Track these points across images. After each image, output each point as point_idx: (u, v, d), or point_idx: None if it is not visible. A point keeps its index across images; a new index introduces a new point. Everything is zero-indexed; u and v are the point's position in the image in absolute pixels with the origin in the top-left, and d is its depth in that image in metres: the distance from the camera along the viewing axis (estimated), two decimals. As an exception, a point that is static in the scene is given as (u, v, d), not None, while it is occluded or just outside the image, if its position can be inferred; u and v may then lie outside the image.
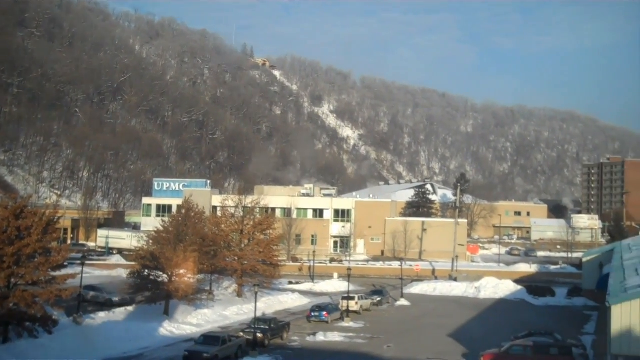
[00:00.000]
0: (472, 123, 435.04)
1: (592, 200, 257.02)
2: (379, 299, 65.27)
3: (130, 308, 52.63)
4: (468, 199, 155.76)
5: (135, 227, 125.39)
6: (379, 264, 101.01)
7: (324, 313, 54.60)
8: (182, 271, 52.04)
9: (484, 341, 45.60)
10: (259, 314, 49.46)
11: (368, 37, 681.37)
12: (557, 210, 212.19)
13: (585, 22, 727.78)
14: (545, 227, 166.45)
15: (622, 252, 55.68)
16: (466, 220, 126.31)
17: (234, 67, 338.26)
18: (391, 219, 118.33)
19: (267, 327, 45.84)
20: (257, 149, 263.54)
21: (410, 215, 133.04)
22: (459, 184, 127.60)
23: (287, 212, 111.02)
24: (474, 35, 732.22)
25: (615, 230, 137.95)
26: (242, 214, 67.04)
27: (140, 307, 53.08)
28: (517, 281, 79.83)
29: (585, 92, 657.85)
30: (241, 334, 44.87)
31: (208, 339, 41.21)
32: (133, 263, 55.68)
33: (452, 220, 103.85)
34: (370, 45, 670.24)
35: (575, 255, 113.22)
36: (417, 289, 76.09)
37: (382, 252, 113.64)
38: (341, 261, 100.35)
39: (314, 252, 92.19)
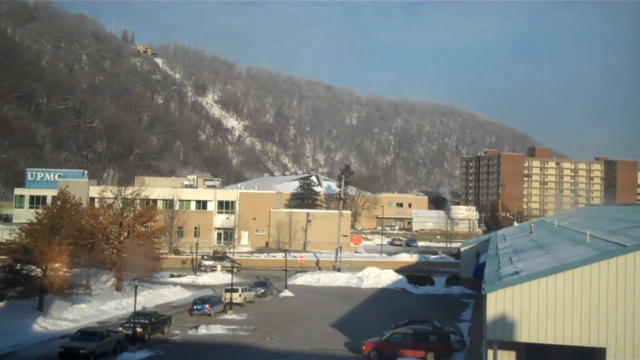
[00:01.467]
0: (356, 116, 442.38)
1: (470, 192, 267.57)
2: (262, 290, 64.72)
3: (0, 304, 49.93)
4: (352, 190, 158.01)
5: (7, 220, 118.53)
6: (263, 256, 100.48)
7: (207, 306, 53.63)
8: (57, 265, 49.80)
9: (366, 330, 46.07)
10: (139, 308, 48.28)
11: (254, 27, 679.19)
12: (437, 202, 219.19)
13: (465, 20, 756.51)
14: (426, 218, 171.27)
15: (497, 242, 57.67)
16: (350, 212, 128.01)
17: (114, 54, 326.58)
18: (276, 211, 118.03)
19: (147, 321, 44.63)
20: (138, 138, 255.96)
21: (295, 207, 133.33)
22: (343, 176, 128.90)
23: (169, 203, 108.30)
24: (359, 29, 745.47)
25: (491, 221, 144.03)
26: (121, 205, 64.75)
27: (12, 303, 50.46)
28: (398, 271, 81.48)
29: (465, 87, 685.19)
30: (120, 328, 43.56)
31: (85, 334, 39.65)
32: (4, 257, 52.89)
33: (336, 211, 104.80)
34: (257, 35, 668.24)
35: (453, 245, 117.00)
36: (301, 280, 76.12)
37: (267, 244, 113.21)
38: (225, 253, 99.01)
39: (197, 244, 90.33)
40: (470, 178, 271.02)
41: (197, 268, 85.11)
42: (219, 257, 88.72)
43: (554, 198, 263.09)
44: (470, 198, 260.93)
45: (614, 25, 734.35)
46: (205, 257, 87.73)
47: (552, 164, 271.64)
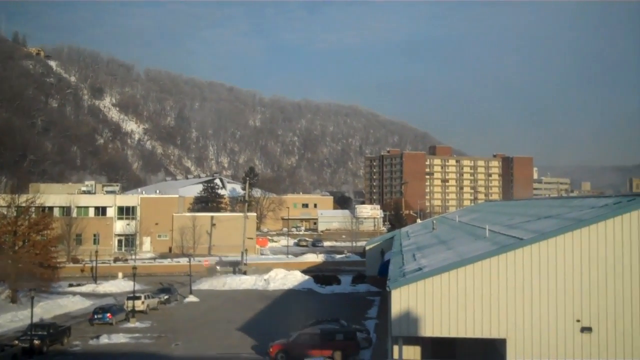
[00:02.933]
0: (260, 117, 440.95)
1: (374, 190, 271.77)
2: (166, 297, 63.16)
3: None
4: (257, 192, 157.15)
5: None
6: (166, 261, 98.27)
7: (108, 315, 51.88)
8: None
9: (273, 332, 45.62)
10: (36, 320, 46.55)
11: (153, 28, 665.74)
12: (342, 201, 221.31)
13: (367, 20, 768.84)
14: (331, 218, 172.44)
15: (401, 239, 58.44)
16: (255, 214, 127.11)
17: (4, 57, 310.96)
18: (179, 215, 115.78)
19: (45, 333, 43.18)
20: (31, 144, 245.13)
21: (199, 211, 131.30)
22: (247, 178, 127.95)
23: (66, 210, 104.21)
24: (262, 30, 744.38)
25: (395, 219, 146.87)
26: (15, 214, 61.99)
27: None
28: (305, 271, 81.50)
29: (368, 88, 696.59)
30: (16, 342, 41.73)
31: (-24, 350, 37.62)
32: None
33: (241, 214, 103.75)
34: (156, 36, 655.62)
35: (359, 243, 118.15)
36: (207, 284, 74.86)
37: (170, 249, 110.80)
38: (126, 260, 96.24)
39: (97, 251, 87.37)
40: (374, 177, 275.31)
41: (97, 276, 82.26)
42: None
43: (455, 194, 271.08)
44: (374, 197, 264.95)
45: (512, 25, 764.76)
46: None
47: (452, 162, 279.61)
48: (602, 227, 27.47)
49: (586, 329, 26.95)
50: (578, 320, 27.08)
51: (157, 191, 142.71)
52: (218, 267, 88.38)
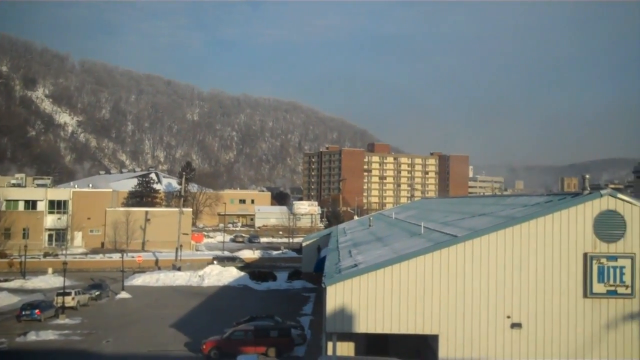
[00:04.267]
0: (198, 111, 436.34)
1: (313, 187, 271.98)
2: (98, 293, 61.65)
3: None
4: (194, 187, 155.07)
5: None
6: (98, 257, 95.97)
7: (36, 311, 50.25)
8: None
9: (206, 329, 45.00)
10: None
11: (89, 18, 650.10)
12: (280, 198, 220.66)
13: (308, 17, 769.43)
14: (269, 214, 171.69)
15: (338, 236, 58.56)
16: (191, 209, 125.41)
17: None
18: (112, 210, 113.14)
19: (-33, 331, 41.25)
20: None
21: (133, 205, 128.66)
22: (184, 173, 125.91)
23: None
24: (203, 24, 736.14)
25: (333, 215, 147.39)
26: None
27: None
28: (241, 267, 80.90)
29: (308, 84, 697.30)
30: None
31: None
32: None
33: (176, 209, 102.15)
34: (92, 28, 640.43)
35: (296, 240, 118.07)
36: (140, 280, 73.34)
37: (103, 244, 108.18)
38: (57, 255, 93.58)
39: (26, 246, 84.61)
40: (313, 174, 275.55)
41: (25, 271, 79.70)
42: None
43: (392, 192, 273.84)
44: (312, 193, 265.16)
45: (450, 24, 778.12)
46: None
47: (390, 159, 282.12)
48: (534, 225, 28.03)
49: (516, 325, 27.46)
50: (508, 317, 27.55)
51: (90, 185, 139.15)
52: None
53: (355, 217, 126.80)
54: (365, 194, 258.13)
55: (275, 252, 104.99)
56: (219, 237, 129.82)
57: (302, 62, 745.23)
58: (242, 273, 75.64)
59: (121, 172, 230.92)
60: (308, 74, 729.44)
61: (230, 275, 74.50)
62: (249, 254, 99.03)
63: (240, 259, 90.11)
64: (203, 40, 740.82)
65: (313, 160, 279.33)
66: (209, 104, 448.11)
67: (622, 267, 27.65)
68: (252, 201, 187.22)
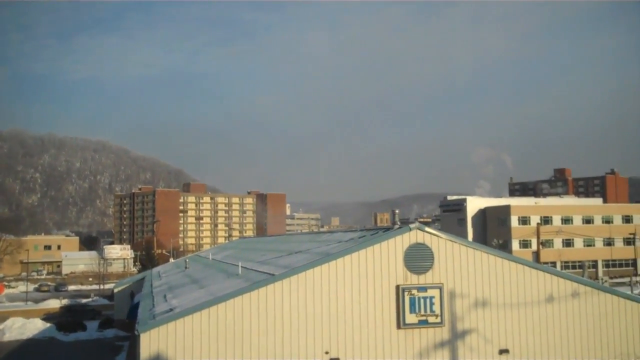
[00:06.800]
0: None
1: (125, 230, 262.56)
2: None
3: None
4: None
5: None
6: None
7: None
8: None
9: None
10: None
11: None
12: (89, 242, 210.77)
13: (118, 53, 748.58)
14: (77, 260, 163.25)
15: (152, 280, 56.58)
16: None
17: None
18: None
19: None
20: None
21: None
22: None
23: None
24: (2, 58, 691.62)
25: (147, 259, 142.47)
26: None
27: None
28: (46, 318, 75.45)
29: (118, 123, 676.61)
30: None
31: None
32: None
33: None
34: None
35: (107, 286, 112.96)
36: None
37: None
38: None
39: None
40: (125, 216, 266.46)
41: None
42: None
43: (209, 232, 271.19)
44: (125, 236, 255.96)
45: (263, 64, 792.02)
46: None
47: (207, 199, 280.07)
48: (348, 260, 28.56)
49: (334, 360, 27.66)
50: (327, 352, 27.68)
51: None
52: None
53: (171, 260, 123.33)
54: (181, 235, 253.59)
55: (85, 300, 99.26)
56: (22, 287, 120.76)
57: (111, 100, 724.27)
58: (48, 324, 70.44)
59: None
60: (118, 112, 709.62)
61: (34, 327, 69.01)
62: (56, 304, 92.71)
63: (92, 307, 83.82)
64: (4, 74, 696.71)
65: (125, 202, 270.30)
66: (8, 143, 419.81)
67: (431, 297, 28.88)
68: (59, 247, 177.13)
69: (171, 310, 29.74)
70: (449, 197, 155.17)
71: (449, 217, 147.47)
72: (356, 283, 28.45)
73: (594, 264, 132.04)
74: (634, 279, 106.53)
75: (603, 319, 31.25)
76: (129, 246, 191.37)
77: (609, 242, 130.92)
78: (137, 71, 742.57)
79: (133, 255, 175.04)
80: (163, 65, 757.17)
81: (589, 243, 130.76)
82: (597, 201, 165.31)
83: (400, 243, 29.17)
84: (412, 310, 28.62)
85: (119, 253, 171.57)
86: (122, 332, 66.83)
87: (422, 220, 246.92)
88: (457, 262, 29.79)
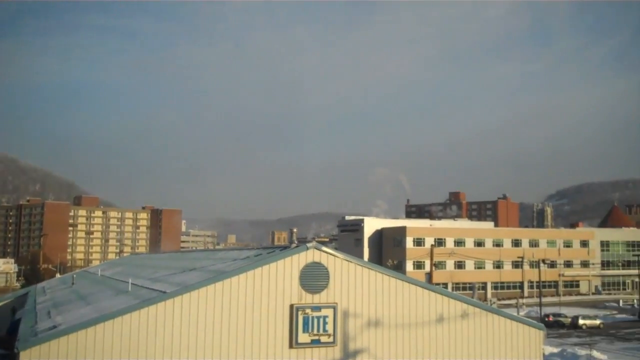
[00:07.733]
0: None
1: (10, 243, 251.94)
2: None
3: None
4: None
5: None
6: None
7: None
8: None
9: None
10: None
11: None
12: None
13: (12, 59, 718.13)
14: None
15: (37, 295, 54.23)
16: None
17: None
18: None
19: None
20: None
21: None
22: None
23: None
24: None
25: (31, 274, 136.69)
26: None
27: None
28: None
29: (6, 131, 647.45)
30: None
31: None
32: None
33: None
34: None
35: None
36: None
37: None
38: None
39: None
40: (10, 228, 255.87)
41: None
42: None
43: (100, 247, 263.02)
44: (9, 250, 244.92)
45: (177, 78, 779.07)
46: None
47: (99, 213, 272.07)
48: (244, 278, 28.20)
49: (227, 381, 27.14)
50: (220, 373, 27.14)
51: None
52: None
53: (58, 275, 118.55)
54: (69, 250, 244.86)
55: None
56: None
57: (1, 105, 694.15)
58: None
59: None
60: (7, 120, 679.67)
61: None
62: None
63: None
64: None
65: (11, 213, 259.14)
66: None
67: (325, 317, 28.87)
68: None
69: (55, 327, 28.44)
70: (347, 217, 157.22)
71: (347, 237, 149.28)
72: (250, 302, 28.09)
73: (484, 286, 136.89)
74: (520, 301, 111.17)
75: (490, 340, 32.23)
76: (13, 260, 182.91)
77: (498, 265, 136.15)
78: (30, 78, 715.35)
79: (17, 270, 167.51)
80: (57, 73, 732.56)
81: (480, 265, 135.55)
82: (489, 225, 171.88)
83: (296, 262, 29.07)
84: (305, 329, 28.50)
85: (1, 267, 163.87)
86: (1, 350, 63.41)
87: (319, 239, 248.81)
88: (352, 281, 29.98)
